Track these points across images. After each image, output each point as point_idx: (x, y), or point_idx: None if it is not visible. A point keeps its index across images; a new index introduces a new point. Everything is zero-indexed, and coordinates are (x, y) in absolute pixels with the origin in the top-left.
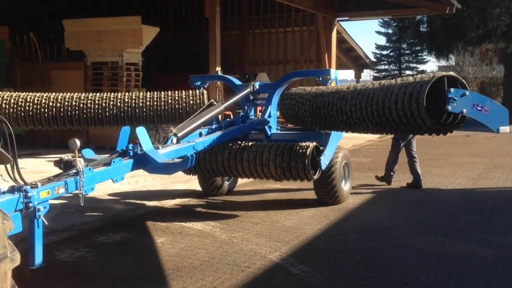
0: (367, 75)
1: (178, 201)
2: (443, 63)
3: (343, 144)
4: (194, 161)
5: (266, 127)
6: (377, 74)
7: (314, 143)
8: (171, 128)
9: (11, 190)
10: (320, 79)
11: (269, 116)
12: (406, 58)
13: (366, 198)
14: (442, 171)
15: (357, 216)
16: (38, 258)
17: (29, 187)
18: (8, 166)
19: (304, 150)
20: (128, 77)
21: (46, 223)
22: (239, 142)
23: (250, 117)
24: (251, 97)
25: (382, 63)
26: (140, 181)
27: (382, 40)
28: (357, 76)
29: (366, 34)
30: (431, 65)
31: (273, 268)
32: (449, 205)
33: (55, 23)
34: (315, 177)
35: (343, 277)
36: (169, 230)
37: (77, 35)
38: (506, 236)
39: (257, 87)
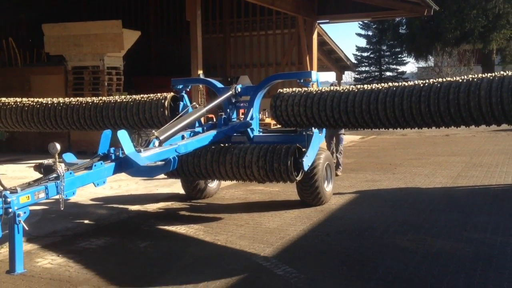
0: (348, 77)
1: (161, 204)
2: (422, 64)
3: (324, 145)
4: (177, 164)
5: (249, 129)
6: (358, 76)
7: (297, 145)
8: (153, 131)
9: None
10: (302, 81)
11: (251, 118)
12: (386, 59)
13: (349, 199)
14: (422, 170)
15: (340, 216)
16: (19, 264)
17: (8, 192)
18: None
19: (286, 152)
20: (110, 81)
21: (27, 229)
22: (222, 145)
23: (233, 119)
24: (233, 100)
25: (363, 64)
26: (123, 185)
27: (363, 42)
28: (338, 78)
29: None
30: (410, 66)
31: (257, 269)
32: (430, 203)
33: (34, 27)
34: (298, 178)
35: (327, 277)
36: (152, 234)
37: (57, 40)
38: (486, 233)
39: (239, 90)
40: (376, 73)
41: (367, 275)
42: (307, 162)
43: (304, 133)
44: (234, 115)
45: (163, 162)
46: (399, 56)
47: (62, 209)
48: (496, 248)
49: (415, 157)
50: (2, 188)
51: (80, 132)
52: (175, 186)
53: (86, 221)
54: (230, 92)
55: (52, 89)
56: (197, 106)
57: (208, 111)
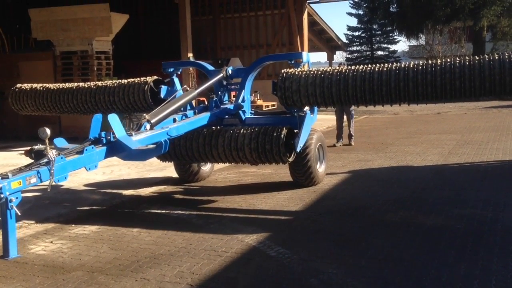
0: (339, 56)
1: (154, 189)
2: (413, 42)
3: (317, 126)
4: (168, 147)
5: (240, 111)
6: (349, 56)
7: (288, 126)
8: (144, 115)
9: None
10: (293, 62)
11: (243, 100)
12: (378, 38)
13: (341, 179)
14: (414, 149)
15: (332, 196)
16: (13, 249)
17: (0, 178)
18: None
19: (278, 134)
20: (99, 66)
21: (19, 214)
22: (214, 128)
23: (224, 102)
24: (224, 82)
25: (354, 44)
26: (116, 170)
27: (354, 22)
28: (330, 58)
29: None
30: (402, 45)
31: (251, 251)
32: (421, 182)
33: (21, 12)
34: (290, 159)
35: (319, 257)
36: (145, 219)
37: (44, 24)
38: (476, 210)
39: (230, 72)
40: (368, 53)
41: (359, 254)
42: (299, 143)
43: (296, 115)
44: (226, 98)
45: (154, 145)
46: (390, 35)
47: (49, 190)
48: (486, 224)
49: (406, 136)
50: None
51: (71, 118)
52: (168, 170)
53: (78, 207)
54: (221, 75)
55: (41, 75)
56: (188, 89)
57: (199, 94)
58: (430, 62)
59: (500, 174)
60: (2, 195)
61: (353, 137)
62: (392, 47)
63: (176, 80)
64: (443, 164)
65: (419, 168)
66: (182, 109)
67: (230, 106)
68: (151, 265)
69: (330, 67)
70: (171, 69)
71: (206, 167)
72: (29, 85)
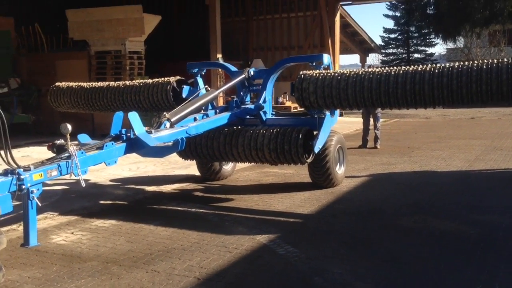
0: (375, 59)
1: (176, 186)
2: (451, 45)
3: (344, 128)
4: (185, 145)
5: (261, 112)
6: (385, 58)
7: (307, 128)
8: (164, 113)
9: (5, 173)
10: (314, 64)
11: (264, 101)
12: (415, 41)
13: (361, 181)
14: (440, 153)
15: (349, 198)
16: (33, 238)
17: (22, 170)
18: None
19: (296, 135)
20: (131, 66)
21: (40, 204)
22: (235, 127)
23: (246, 102)
24: (247, 83)
25: (390, 46)
26: (142, 167)
27: (390, 24)
28: (362, 61)
29: (374, 17)
30: (439, 47)
31: (260, 249)
32: (442, 187)
33: (62, 13)
34: (308, 160)
35: (326, 256)
36: (164, 214)
37: (80, 25)
38: (493, 216)
39: (252, 73)
40: (404, 55)
41: (366, 255)
42: (317, 145)
43: (316, 116)
44: (248, 98)
45: (171, 143)
46: (427, 37)
47: (83, 186)
48: (500, 230)
49: (435, 140)
50: (16, 166)
51: (103, 115)
52: (192, 168)
53: (102, 201)
54: (243, 76)
55: (76, 74)
56: (209, 89)
57: (220, 94)
58: (447, 64)
59: None
60: (23, 186)
61: (379, 140)
62: (430, 50)
63: (200, 80)
64: (467, 169)
65: (442, 173)
66: (203, 108)
67: (251, 106)
68: (163, 258)
69: (347, 70)
70: (195, 70)
71: (228, 166)
72: (66, 83)
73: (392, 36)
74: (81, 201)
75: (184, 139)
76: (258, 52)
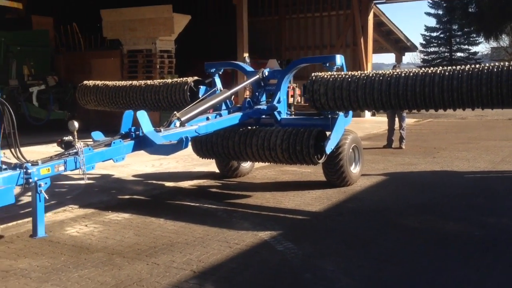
0: (417, 58)
1: (194, 182)
2: (494, 44)
3: (370, 129)
4: (188, 143)
5: (276, 112)
6: (426, 57)
7: (319, 129)
8: (175, 112)
9: (13, 167)
10: (327, 65)
11: (278, 101)
12: (458, 39)
13: (376, 181)
14: (466, 154)
15: (361, 198)
16: (41, 229)
17: (29, 164)
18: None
19: (308, 135)
20: (162, 64)
21: (47, 197)
22: (250, 127)
23: (262, 102)
24: (262, 83)
25: (432, 45)
26: (164, 163)
27: (432, 22)
28: (398, 60)
29: (415, 16)
30: (483, 46)
31: (260, 245)
32: (458, 188)
33: (98, 13)
34: (320, 161)
35: (323, 254)
36: (176, 209)
37: (113, 24)
38: (502, 218)
39: (266, 73)
40: (446, 54)
41: (361, 254)
42: (329, 145)
43: (329, 116)
44: (264, 98)
45: (176, 141)
46: (471, 36)
47: (85, 180)
48: (506, 233)
49: (464, 141)
50: (24, 161)
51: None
52: (212, 165)
53: (120, 196)
54: (257, 76)
55: (109, 72)
56: (222, 89)
57: (233, 94)
58: (459, 67)
59: None
60: (31, 180)
61: (404, 140)
62: (473, 49)
63: (217, 80)
64: (490, 171)
65: (462, 174)
66: (219, 107)
67: (264, 107)
68: (165, 251)
69: (358, 72)
70: (213, 70)
71: (246, 164)
72: (92, 82)
73: (434, 34)
74: (100, 195)
75: (189, 137)
76: (291, 51)
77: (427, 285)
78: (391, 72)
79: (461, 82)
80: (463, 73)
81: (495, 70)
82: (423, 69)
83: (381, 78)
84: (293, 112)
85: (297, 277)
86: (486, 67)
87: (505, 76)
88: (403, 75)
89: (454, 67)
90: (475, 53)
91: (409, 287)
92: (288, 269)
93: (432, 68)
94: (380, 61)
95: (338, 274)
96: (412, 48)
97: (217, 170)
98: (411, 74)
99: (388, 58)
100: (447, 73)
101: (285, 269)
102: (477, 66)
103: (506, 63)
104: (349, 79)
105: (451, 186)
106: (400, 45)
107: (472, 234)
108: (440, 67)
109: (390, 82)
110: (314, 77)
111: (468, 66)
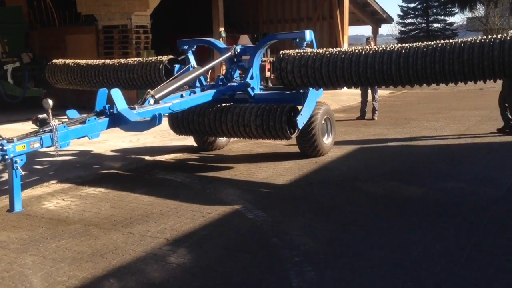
0: (395, 29)
1: (171, 156)
2: (470, 15)
3: (345, 101)
4: (162, 120)
5: (249, 89)
6: (403, 28)
7: (291, 104)
8: (149, 90)
9: None
10: (297, 41)
11: (251, 77)
12: (434, 10)
13: (347, 151)
14: (434, 124)
15: (330, 167)
16: (18, 204)
17: (5, 141)
18: None
19: (281, 111)
20: (137, 40)
21: (23, 173)
22: (224, 104)
23: (235, 78)
24: (235, 60)
25: (409, 16)
26: (142, 139)
27: None
28: (374, 32)
29: None
30: (459, 17)
31: (232, 214)
32: (422, 156)
33: None
34: (293, 136)
35: (291, 221)
36: (151, 182)
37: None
38: (460, 184)
39: (238, 50)
40: (423, 25)
41: (327, 219)
42: (301, 120)
43: (300, 91)
44: (237, 74)
45: (149, 118)
46: (447, 6)
47: (56, 155)
48: (463, 197)
49: (434, 111)
50: (0, 138)
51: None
52: (189, 140)
53: (97, 171)
54: (230, 53)
55: (85, 48)
56: (195, 66)
57: (206, 71)
58: (416, 44)
59: (506, 150)
60: (7, 157)
61: (377, 112)
62: (450, 19)
63: (191, 57)
64: (455, 139)
65: (428, 143)
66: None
67: (236, 84)
68: (140, 222)
69: (322, 49)
70: (186, 47)
71: (222, 138)
72: (62, 60)
73: (411, 5)
74: (77, 171)
75: (162, 114)
76: (268, 25)
77: (384, 245)
78: (353, 50)
79: (416, 59)
80: (418, 50)
81: (448, 47)
82: (392, 45)
83: (343, 56)
84: (268, 86)
85: (265, 242)
86: (440, 44)
87: (456, 53)
88: (363, 53)
89: (411, 44)
90: (452, 23)
91: (368, 247)
92: (257, 234)
93: (392, 45)
94: (359, 33)
95: (303, 238)
96: (388, 20)
97: (194, 144)
98: (371, 51)
99: (366, 30)
100: (403, 51)
101: (254, 234)
102: (432, 43)
103: (459, 40)
104: (314, 57)
105: (417, 155)
106: (376, 17)
107: (430, 199)
108: (399, 45)
109: (351, 60)
110: (281, 55)
111: (425, 43)
